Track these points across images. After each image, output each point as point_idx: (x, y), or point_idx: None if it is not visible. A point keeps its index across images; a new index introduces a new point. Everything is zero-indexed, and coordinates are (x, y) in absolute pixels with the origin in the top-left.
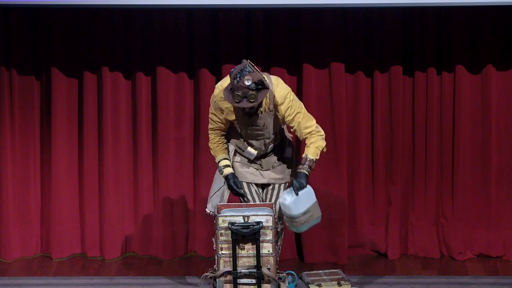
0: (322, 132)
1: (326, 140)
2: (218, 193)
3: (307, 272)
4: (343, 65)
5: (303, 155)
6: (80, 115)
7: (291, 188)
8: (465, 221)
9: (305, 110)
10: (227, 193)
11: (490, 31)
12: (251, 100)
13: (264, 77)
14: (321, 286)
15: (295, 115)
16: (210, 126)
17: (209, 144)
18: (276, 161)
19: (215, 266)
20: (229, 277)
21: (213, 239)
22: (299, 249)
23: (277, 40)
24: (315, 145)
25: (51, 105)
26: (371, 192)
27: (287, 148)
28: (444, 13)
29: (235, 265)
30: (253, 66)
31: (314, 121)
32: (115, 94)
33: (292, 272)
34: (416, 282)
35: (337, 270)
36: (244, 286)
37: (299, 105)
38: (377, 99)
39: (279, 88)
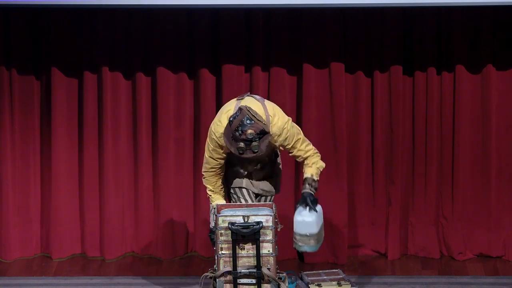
0: (319, 153)
1: (326, 140)
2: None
3: (307, 272)
4: (343, 65)
5: (307, 175)
6: (80, 115)
7: (302, 207)
8: (465, 221)
9: (303, 135)
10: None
11: (490, 31)
12: (255, 151)
13: (264, 124)
14: (321, 286)
15: (294, 142)
16: (208, 166)
17: (207, 190)
18: (267, 173)
19: (215, 266)
20: (229, 277)
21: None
22: None
23: (277, 40)
24: (316, 165)
25: (51, 105)
26: (371, 192)
27: (277, 163)
28: (444, 13)
29: (235, 265)
30: (254, 116)
31: (311, 144)
32: (115, 94)
33: (292, 272)
34: (416, 282)
35: (337, 270)
36: (244, 286)
37: (297, 132)
38: (377, 99)
39: (276, 119)
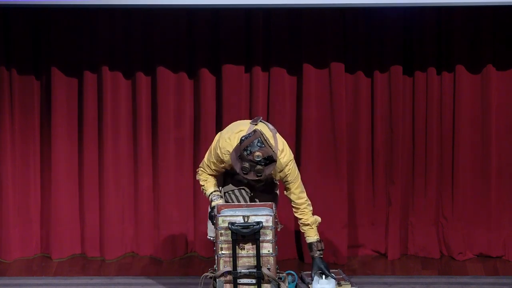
0: (311, 206)
1: (326, 140)
2: None
3: (307, 272)
4: (343, 65)
5: (311, 240)
6: (80, 115)
7: (318, 275)
8: (465, 221)
9: (301, 181)
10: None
11: (490, 31)
12: (258, 175)
13: (273, 151)
14: None
15: (291, 183)
16: (204, 170)
17: (201, 181)
18: (264, 189)
19: (215, 266)
20: (229, 277)
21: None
22: (299, 249)
23: (277, 40)
24: (315, 225)
25: (51, 105)
26: (371, 192)
27: (274, 183)
28: (444, 13)
29: (235, 265)
30: (266, 141)
31: (305, 193)
32: (115, 94)
33: (292, 272)
34: (416, 282)
35: (337, 270)
36: (244, 286)
37: (296, 175)
38: (377, 99)
39: (283, 154)
